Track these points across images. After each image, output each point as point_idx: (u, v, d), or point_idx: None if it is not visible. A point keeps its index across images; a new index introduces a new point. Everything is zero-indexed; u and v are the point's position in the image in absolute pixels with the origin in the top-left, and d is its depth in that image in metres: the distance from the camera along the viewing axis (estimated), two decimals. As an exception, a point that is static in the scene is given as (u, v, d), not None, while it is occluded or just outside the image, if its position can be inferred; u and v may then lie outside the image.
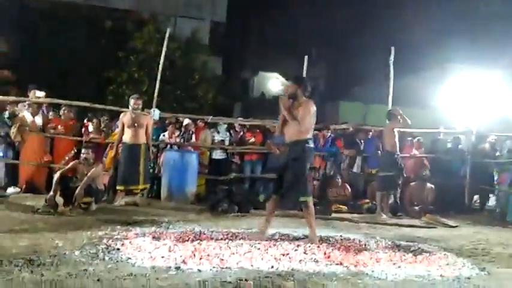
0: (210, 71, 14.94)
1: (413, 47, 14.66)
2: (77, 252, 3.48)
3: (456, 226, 6.42)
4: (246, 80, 22.71)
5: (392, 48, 8.01)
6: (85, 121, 8.29)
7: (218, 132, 8.48)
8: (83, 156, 6.05)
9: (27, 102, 7.73)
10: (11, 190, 7.11)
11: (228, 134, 8.64)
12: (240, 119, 9.63)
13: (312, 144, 4.63)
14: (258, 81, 23.21)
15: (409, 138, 8.63)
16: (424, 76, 15.24)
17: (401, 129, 7.31)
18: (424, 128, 9.04)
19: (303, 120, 4.47)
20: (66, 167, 6.07)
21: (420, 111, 13.19)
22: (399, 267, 3.70)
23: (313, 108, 4.56)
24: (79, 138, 7.78)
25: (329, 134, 8.40)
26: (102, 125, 8.12)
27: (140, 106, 6.87)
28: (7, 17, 10.30)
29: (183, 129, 8.30)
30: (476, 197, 8.67)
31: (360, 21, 18.65)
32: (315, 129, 8.37)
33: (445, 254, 4.32)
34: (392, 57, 8.01)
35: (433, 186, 7.59)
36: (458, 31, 15.44)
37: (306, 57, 8.09)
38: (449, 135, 9.15)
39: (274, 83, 23.51)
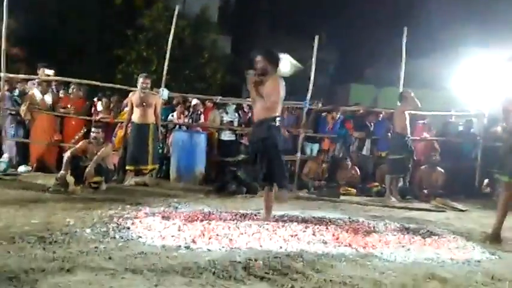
0: (219, 50, 14.81)
1: (426, 29, 14.37)
2: (88, 230, 3.52)
3: (466, 210, 6.39)
4: (255, 59, 22.51)
5: (405, 29, 7.85)
6: (94, 100, 8.30)
7: (227, 113, 8.44)
8: (92, 135, 6.07)
9: (36, 80, 7.74)
10: (22, 168, 7.18)
11: (236, 114, 8.60)
12: (248, 99, 9.57)
13: (278, 123, 4.37)
14: (268, 62, 22.99)
15: (421, 121, 8.52)
16: (436, 58, 14.97)
17: (412, 112, 7.23)
18: (435, 110, 8.92)
19: (268, 97, 4.25)
20: (77, 146, 6.10)
21: (432, 93, 13.01)
22: (408, 249, 3.69)
23: (282, 84, 4.33)
24: (88, 118, 7.79)
25: (338, 115, 8.32)
26: (112, 105, 8.12)
27: (149, 85, 6.82)
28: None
29: (191, 109, 8.28)
30: (486, 181, 8.59)
31: (372, 2, 18.27)
32: (324, 111, 8.44)
33: (454, 238, 4.30)
34: (405, 38, 7.85)
35: (442, 170, 7.53)
36: (472, 13, 15.09)
37: (317, 37, 7.95)
38: (461, 118, 9.03)
39: (283, 64, 23.26)
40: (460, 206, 6.51)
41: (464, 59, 12.52)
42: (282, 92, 4.34)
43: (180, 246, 3.27)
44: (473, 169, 8.10)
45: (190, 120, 8.17)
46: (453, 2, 16.02)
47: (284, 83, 4.38)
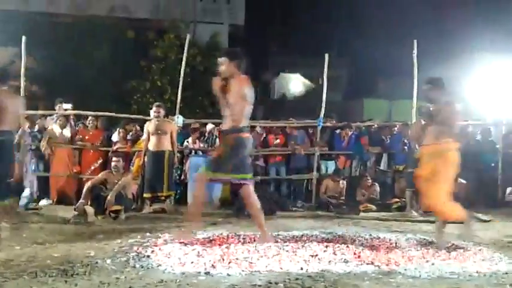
0: (230, 75, 14.99)
1: (438, 38, 14.35)
2: (108, 261, 3.54)
3: (489, 220, 6.23)
4: (266, 82, 22.72)
5: (415, 42, 7.85)
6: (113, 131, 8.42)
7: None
8: (113, 164, 6.17)
9: (54, 115, 7.96)
10: (43, 202, 7.33)
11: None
12: (262, 121, 9.64)
13: (247, 134, 4.08)
14: (279, 83, 23.18)
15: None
16: (450, 67, 14.87)
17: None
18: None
19: (233, 106, 3.94)
20: (97, 177, 6.20)
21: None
22: (433, 264, 3.60)
23: (247, 87, 3.97)
24: (105, 149, 7.94)
25: (351, 132, 8.28)
26: (131, 134, 8.24)
27: (161, 114, 6.96)
28: (34, 34, 10.67)
29: (206, 134, 8.36)
30: (509, 189, 8.38)
31: (382, 16, 18.40)
32: (338, 128, 8.42)
33: (480, 249, 4.19)
34: (415, 51, 7.84)
35: (463, 180, 7.37)
36: (487, 19, 15.01)
37: (327, 55, 8.02)
38: (478, 127, 8.89)
39: (295, 84, 23.43)
40: (483, 217, 6.35)
41: (479, 66, 12.43)
42: (249, 95, 4.00)
43: (199, 272, 3.25)
44: (495, 178, 7.92)
45: (206, 145, 8.24)
46: (465, 9, 15.98)
47: (250, 85, 4.03)
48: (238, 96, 3.96)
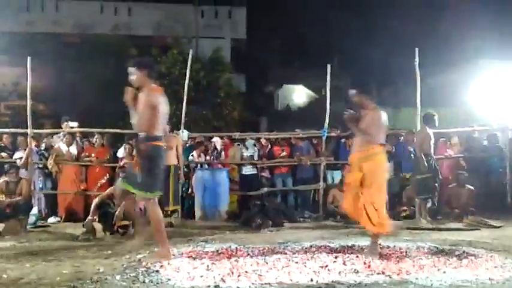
0: (234, 88, 15.11)
1: (442, 45, 14.37)
2: (118, 277, 3.53)
3: (500, 226, 6.16)
4: (270, 93, 22.81)
5: (416, 50, 7.86)
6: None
7: (247, 149, 8.51)
8: (120, 179, 6.17)
9: (61, 134, 8.03)
10: (51, 220, 7.36)
11: (256, 149, 8.66)
12: (265, 133, 9.68)
13: (161, 142, 4.04)
14: (283, 94, 23.26)
15: (442, 139, 8.39)
16: (455, 73, 14.88)
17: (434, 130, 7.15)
18: (457, 126, 8.79)
19: (141, 115, 3.90)
20: (105, 193, 6.22)
21: (452, 109, 12.85)
22: (444, 272, 3.57)
23: (156, 96, 3.93)
24: (112, 165, 7.97)
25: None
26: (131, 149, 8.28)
27: (167, 129, 6.99)
28: (40, 53, 10.87)
29: (211, 147, 8.39)
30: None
31: (384, 25, 18.48)
32: (343, 137, 8.41)
33: (491, 256, 4.14)
34: (417, 59, 7.86)
35: (471, 187, 7.32)
36: (489, 25, 15.03)
37: (329, 66, 8.05)
38: (484, 133, 8.84)
39: (298, 95, 23.51)
40: (494, 223, 6.29)
41: (484, 72, 12.42)
42: (159, 104, 3.94)
43: (209, 286, 3.24)
44: (503, 183, 7.85)
45: (212, 158, 8.26)
46: (470, 16, 16.00)
47: (160, 94, 4.00)
48: (147, 106, 3.91)
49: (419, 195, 6.81)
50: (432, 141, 6.75)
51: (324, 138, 8.02)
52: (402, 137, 8.48)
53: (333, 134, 8.30)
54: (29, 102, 7.69)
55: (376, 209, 4.15)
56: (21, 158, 7.57)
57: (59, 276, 3.58)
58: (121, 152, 8.23)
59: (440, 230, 6.09)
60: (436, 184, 6.82)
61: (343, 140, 8.46)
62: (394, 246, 4.69)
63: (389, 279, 3.38)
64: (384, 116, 4.36)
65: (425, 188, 6.76)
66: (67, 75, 13.83)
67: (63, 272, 3.74)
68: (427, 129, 6.77)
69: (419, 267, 3.72)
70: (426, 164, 6.66)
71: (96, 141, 8.20)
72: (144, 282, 3.40)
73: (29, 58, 7.61)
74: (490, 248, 4.60)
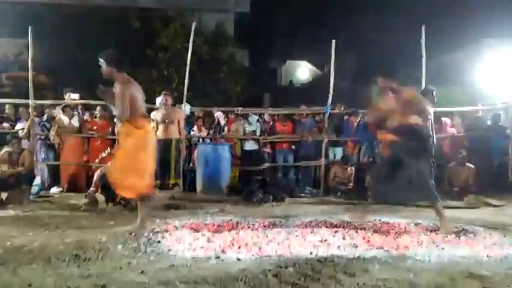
0: (237, 63, 14.96)
1: (446, 23, 14.13)
2: (120, 247, 3.58)
3: (501, 205, 6.19)
4: (273, 69, 22.62)
5: (423, 28, 7.74)
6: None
7: (250, 124, 8.49)
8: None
9: (63, 105, 8.00)
10: (54, 190, 7.42)
11: (259, 124, 8.64)
12: (270, 109, 9.62)
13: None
14: (286, 70, 23.08)
15: (444, 118, 8.35)
16: (459, 53, 14.68)
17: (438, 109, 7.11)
18: (462, 106, 8.73)
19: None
20: (107, 164, 6.23)
21: (457, 89, 12.73)
22: (443, 248, 3.60)
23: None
24: (113, 137, 7.97)
25: (359, 119, 8.23)
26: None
27: (169, 102, 6.99)
28: (41, 25, 10.71)
29: (215, 122, 8.38)
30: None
31: (389, 2, 18.12)
32: (345, 114, 8.37)
33: (490, 234, 4.17)
34: (423, 37, 7.74)
35: (472, 166, 7.33)
36: (493, 4, 14.74)
37: (334, 41, 7.93)
38: (488, 112, 8.79)
39: (302, 71, 23.31)
40: (494, 202, 6.31)
41: (489, 51, 12.25)
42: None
43: (210, 257, 3.28)
44: (505, 163, 7.85)
45: (214, 132, 8.26)
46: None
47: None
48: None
49: None
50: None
51: (326, 115, 7.98)
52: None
53: (336, 111, 8.26)
54: (30, 73, 7.64)
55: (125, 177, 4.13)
56: (23, 129, 7.58)
57: (62, 245, 3.63)
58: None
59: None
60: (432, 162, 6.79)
61: (346, 117, 8.43)
62: (394, 222, 4.73)
63: (387, 254, 3.42)
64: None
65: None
66: (69, 46, 13.68)
67: (65, 241, 3.79)
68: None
69: (418, 243, 3.76)
70: None
71: (98, 113, 8.17)
72: (145, 252, 3.44)
73: (30, 28, 7.51)
74: (488, 226, 4.63)
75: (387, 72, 4.41)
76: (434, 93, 6.71)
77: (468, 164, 7.33)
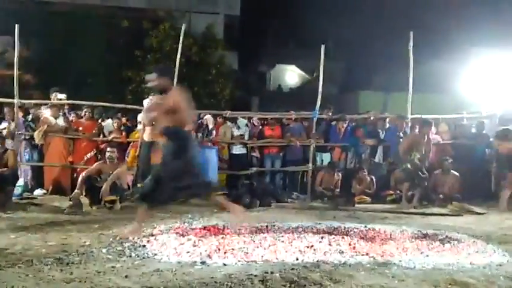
0: (226, 66, 14.95)
1: (435, 31, 14.33)
2: (104, 250, 3.53)
3: (484, 213, 6.28)
4: (262, 73, 22.65)
5: (411, 33, 7.83)
6: (99, 120, 8.35)
7: (238, 128, 8.47)
8: (108, 154, 6.15)
9: (49, 105, 7.88)
10: (37, 192, 7.28)
11: (247, 128, 8.63)
12: (258, 113, 9.62)
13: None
14: (275, 74, 23.13)
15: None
16: (446, 60, 14.88)
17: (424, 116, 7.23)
18: (447, 113, 8.85)
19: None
20: (91, 167, 6.17)
21: (443, 96, 12.93)
22: (427, 256, 3.64)
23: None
24: (99, 139, 7.89)
25: (346, 124, 8.28)
26: (123, 124, 8.19)
27: None
28: (28, 22, 10.55)
29: (203, 125, 8.33)
30: (503, 182, 8.43)
31: (378, 8, 18.34)
32: (333, 120, 8.40)
33: (474, 242, 4.23)
34: (411, 43, 7.83)
35: (457, 173, 7.43)
36: (481, 13, 15.00)
37: (323, 46, 7.97)
38: (473, 120, 8.92)
39: (291, 76, 23.40)
40: (477, 209, 6.40)
41: (475, 59, 12.43)
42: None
43: (195, 262, 3.26)
44: (488, 171, 7.97)
45: (202, 136, 8.21)
46: (462, 2, 15.95)
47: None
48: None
49: (408, 180, 6.91)
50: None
51: (314, 120, 8.01)
52: (389, 121, 8.52)
53: (323, 116, 8.30)
54: (16, 72, 7.51)
55: None
56: (5, 128, 7.43)
57: (45, 248, 3.57)
58: (108, 125, 8.13)
59: (424, 214, 6.18)
60: (421, 175, 6.90)
61: (333, 123, 8.47)
62: (379, 229, 4.76)
63: (373, 261, 3.44)
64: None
65: (409, 177, 6.88)
66: (56, 45, 13.52)
67: (48, 244, 3.73)
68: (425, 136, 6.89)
69: (402, 250, 3.79)
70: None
71: (84, 114, 8.07)
72: (130, 256, 3.41)
73: (17, 26, 7.39)
74: (472, 233, 4.69)
75: (164, 71, 4.42)
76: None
77: (453, 172, 7.42)
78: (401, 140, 7.62)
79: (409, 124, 7.94)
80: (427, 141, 7.09)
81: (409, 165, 6.82)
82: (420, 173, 6.84)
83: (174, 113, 4.13)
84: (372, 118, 8.65)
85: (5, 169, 6.13)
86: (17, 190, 6.61)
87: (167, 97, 4.21)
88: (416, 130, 7.54)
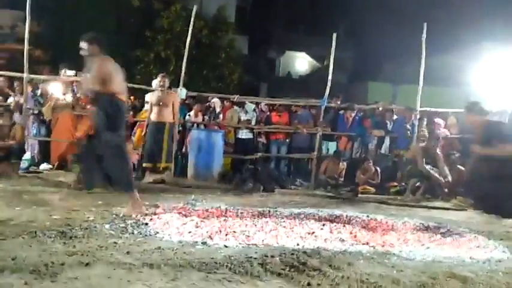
0: (236, 50, 14.86)
1: (446, 24, 14.09)
2: (107, 226, 3.57)
3: (487, 209, 6.24)
4: (272, 59, 22.49)
5: (425, 25, 7.73)
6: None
7: (246, 113, 8.45)
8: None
9: (58, 81, 7.90)
10: (43, 166, 7.36)
11: (255, 113, 8.62)
12: (267, 99, 9.59)
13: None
14: (284, 61, 22.95)
15: (437, 119, 8.39)
16: (457, 54, 14.67)
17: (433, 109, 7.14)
18: (456, 107, 8.76)
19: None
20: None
21: (452, 90, 12.77)
22: (428, 248, 3.63)
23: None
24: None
25: (353, 114, 8.24)
26: (130, 103, 8.21)
27: (166, 84, 6.92)
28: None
29: (210, 108, 8.34)
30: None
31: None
32: (341, 109, 8.36)
33: (475, 237, 4.21)
34: (424, 34, 7.73)
35: (462, 168, 7.38)
36: (495, 8, 14.73)
37: (335, 34, 7.89)
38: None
39: (300, 63, 23.22)
40: (481, 205, 6.36)
41: (487, 54, 12.25)
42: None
43: (197, 242, 3.29)
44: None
45: (209, 119, 8.22)
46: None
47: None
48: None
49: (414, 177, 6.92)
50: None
51: (322, 108, 7.97)
52: (397, 113, 8.46)
53: (331, 105, 8.26)
54: (26, 46, 7.52)
55: None
56: (16, 102, 7.49)
57: (49, 221, 3.61)
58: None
59: (428, 208, 6.17)
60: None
61: (341, 112, 8.43)
62: (381, 219, 4.76)
63: (373, 250, 3.44)
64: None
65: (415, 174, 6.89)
66: (67, 22, 13.49)
67: (53, 217, 3.77)
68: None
69: (403, 241, 3.79)
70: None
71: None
72: (132, 233, 3.44)
73: (28, 1, 7.38)
74: (474, 228, 4.67)
75: (94, 39, 4.34)
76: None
77: (459, 166, 7.38)
78: (408, 132, 7.58)
79: (418, 116, 7.89)
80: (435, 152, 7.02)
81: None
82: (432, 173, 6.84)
83: (104, 82, 4.04)
84: (380, 109, 8.60)
85: (13, 142, 6.19)
86: (24, 164, 6.68)
87: (95, 66, 4.14)
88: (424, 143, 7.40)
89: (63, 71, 8.11)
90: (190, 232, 3.53)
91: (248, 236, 3.53)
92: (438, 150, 7.04)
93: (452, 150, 7.71)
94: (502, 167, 5.30)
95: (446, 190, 7.14)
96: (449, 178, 6.88)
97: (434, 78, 10.45)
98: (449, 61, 14.43)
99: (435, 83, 9.27)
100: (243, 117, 8.38)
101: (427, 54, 7.84)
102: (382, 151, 8.24)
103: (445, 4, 15.76)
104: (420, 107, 7.92)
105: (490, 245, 3.90)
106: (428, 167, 6.85)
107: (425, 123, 7.71)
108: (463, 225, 4.86)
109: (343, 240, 3.65)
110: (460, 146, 8.06)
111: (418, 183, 6.95)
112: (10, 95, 7.86)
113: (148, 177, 6.79)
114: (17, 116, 7.19)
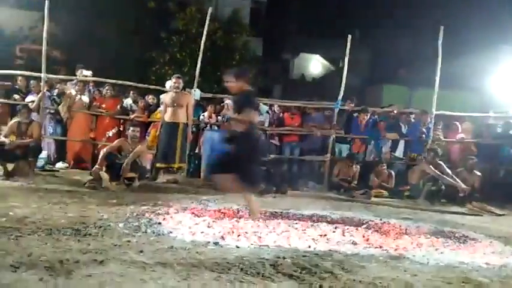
0: (250, 51, 14.88)
1: (463, 28, 13.92)
2: (121, 225, 3.61)
3: (503, 214, 6.15)
4: (286, 61, 22.43)
5: (441, 28, 7.64)
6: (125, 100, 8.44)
7: (260, 114, 8.44)
8: (131, 134, 6.23)
9: (74, 81, 8.02)
10: (59, 165, 7.48)
11: (267, 115, 8.61)
12: (280, 101, 9.58)
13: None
14: (299, 63, 22.86)
15: (455, 122, 8.28)
16: (474, 57, 14.48)
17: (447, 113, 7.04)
18: (473, 111, 8.65)
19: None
20: (113, 144, 6.28)
21: (469, 94, 12.61)
22: (442, 252, 3.58)
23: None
24: (121, 117, 8.00)
25: (368, 116, 8.18)
26: (143, 103, 8.28)
27: (180, 85, 6.98)
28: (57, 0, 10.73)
29: (224, 109, 8.34)
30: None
31: (407, 2, 17.88)
32: (355, 111, 8.31)
33: (491, 242, 4.15)
34: (441, 38, 7.64)
35: (479, 173, 7.27)
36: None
37: (350, 37, 7.85)
38: (499, 120, 8.69)
39: (315, 65, 23.13)
40: (497, 211, 6.28)
41: (505, 58, 12.06)
42: None
43: (209, 242, 3.30)
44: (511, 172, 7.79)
45: (223, 120, 8.23)
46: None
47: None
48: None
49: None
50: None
51: (336, 110, 7.94)
52: (414, 117, 8.37)
53: (345, 107, 8.21)
54: (44, 47, 7.65)
55: None
56: (33, 101, 7.62)
57: (64, 219, 3.67)
58: (128, 103, 8.24)
59: (442, 212, 6.10)
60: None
61: (355, 115, 8.38)
62: (395, 223, 4.72)
63: (386, 253, 3.41)
64: None
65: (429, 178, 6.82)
66: (84, 23, 13.68)
67: (68, 215, 3.83)
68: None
69: (417, 245, 3.75)
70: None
71: (107, 92, 8.18)
72: (145, 232, 3.47)
73: (47, 2, 7.51)
74: (490, 234, 4.60)
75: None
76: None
77: (475, 171, 7.27)
78: (423, 136, 7.51)
79: (433, 120, 7.80)
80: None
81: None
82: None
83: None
84: (394, 112, 8.52)
85: (30, 140, 6.29)
86: (40, 162, 6.79)
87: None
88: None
89: (79, 71, 8.23)
90: (202, 232, 3.55)
91: (260, 237, 3.53)
92: (439, 161, 6.96)
93: (470, 154, 7.60)
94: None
95: (461, 195, 7.04)
96: (462, 184, 6.78)
97: (451, 82, 10.33)
98: (467, 64, 14.23)
99: (452, 86, 9.15)
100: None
101: (444, 57, 7.75)
102: (397, 154, 8.16)
103: (462, 7, 15.56)
104: (436, 110, 7.83)
105: (506, 251, 3.84)
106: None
107: (440, 126, 7.62)
108: (479, 230, 4.79)
109: (355, 243, 3.63)
110: (476, 150, 7.95)
111: (433, 187, 6.86)
112: (28, 94, 7.99)
113: (162, 177, 6.83)
114: (34, 115, 7.31)
